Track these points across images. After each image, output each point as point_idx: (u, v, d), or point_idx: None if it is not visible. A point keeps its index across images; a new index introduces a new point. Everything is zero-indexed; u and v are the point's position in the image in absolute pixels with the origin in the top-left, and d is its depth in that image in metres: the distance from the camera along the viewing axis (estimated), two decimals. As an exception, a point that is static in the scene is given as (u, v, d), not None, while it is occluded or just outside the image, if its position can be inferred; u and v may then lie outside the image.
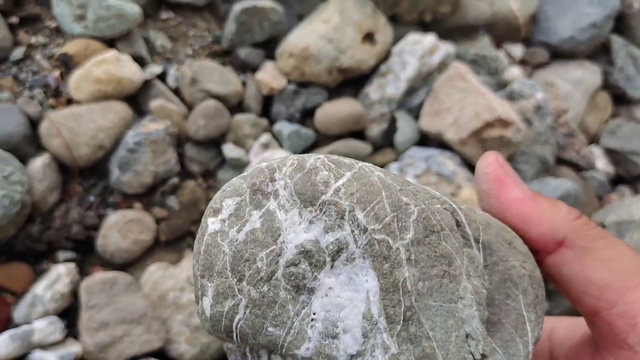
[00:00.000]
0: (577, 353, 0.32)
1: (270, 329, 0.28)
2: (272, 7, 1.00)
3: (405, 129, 1.00)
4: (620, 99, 1.22)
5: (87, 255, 0.91)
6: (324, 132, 0.99)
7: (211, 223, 0.29)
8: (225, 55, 1.04)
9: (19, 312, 0.83)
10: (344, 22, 1.00)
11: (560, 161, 1.05)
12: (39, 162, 0.89)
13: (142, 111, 0.96)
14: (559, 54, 1.18)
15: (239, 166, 0.95)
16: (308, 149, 0.99)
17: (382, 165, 1.00)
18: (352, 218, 0.27)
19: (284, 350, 0.27)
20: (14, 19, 0.96)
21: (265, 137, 0.96)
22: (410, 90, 1.03)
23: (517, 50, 1.17)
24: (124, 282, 0.85)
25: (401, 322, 0.27)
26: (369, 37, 1.02)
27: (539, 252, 0.31)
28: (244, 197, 0.29)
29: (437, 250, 0.27)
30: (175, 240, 0.94)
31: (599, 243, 0.29)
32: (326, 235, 0.27)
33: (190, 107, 0.97)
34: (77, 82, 0.92)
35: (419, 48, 1.01)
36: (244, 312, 0.28)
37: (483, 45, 1.10)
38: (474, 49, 1.08)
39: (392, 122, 1.02)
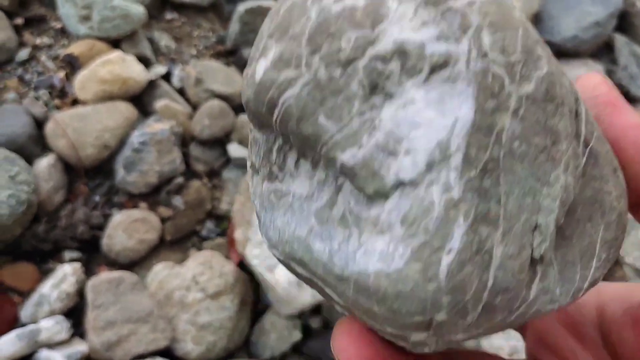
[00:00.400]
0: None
1: (321, 119, 0.22)
2: (276, 7, 1.01)
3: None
4: (624, 98, 1.22)
5: (92, 255, 0.91)
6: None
7: None
8: (229, 55, 1.04)
9: (25, 311, 0.84)
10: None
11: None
12: (44, 162, 0.89)
13: (147, 111, 0.96)
14: (563, 53, 1.18)
15: (244, 166, 0.95)
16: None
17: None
18: (476, 36, 0.22)
19: (325, 149, 0.22)
20: (19, 20, 0.97)
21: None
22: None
23: (521, 49, 1.17)
24: (130, 282, 0.86)
25: (479, 169, 0.22)
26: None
27: None
28: None
29: (549, 122, 0.23)
30: (180, 239, 0.94)
31: None
32: (436, 43, 0.22)
33: (195, 107, 0.97)
34: (83, 83, 0.92)
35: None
36: (301, 89, 0.22)
37: (486, 44, 1.10)
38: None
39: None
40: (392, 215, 0.21)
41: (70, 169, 0.92)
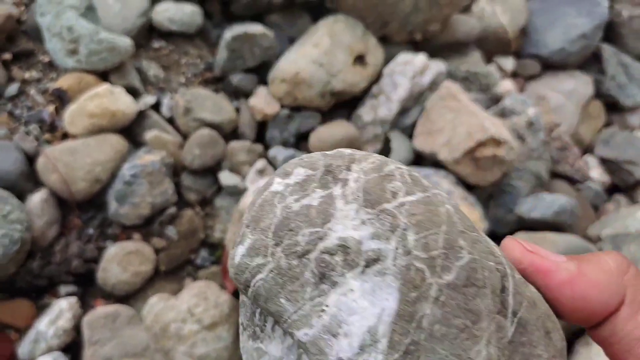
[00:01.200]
0: None
1: (282, 300, 0.28)
2: (262, 32, 1.01)
3: (400, 149, 1.01)
4: (613, 107, 1.23)
5: (88, 289, 0.92)
6: (319, 155, 0.99)
7: (277, 183, 0.30)
8: (217, 82, 1.04)
9: (23, 348, 0.84)
10: (335, 45, 1.01)
11: (555, 175, 1.05)
12: (37, 198, 0.90)
13: (138, 142, 0.97)
14: (550, 65, 1.19)
15: (236, 193, 0.96)
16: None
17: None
18: (402, 236, 0.27)
19: (286, 325, 0.28)
20: (7, 55, 0.97)
21: (260, 163, 0.97)
22: (403, 110, 1.03)
23: (508, 63, 1.17)
24: (126, 315, 0.86)
25: (401, 352, 0.26)
26: (359, 59, 1.03)
27: (601, 321, 0.30)
28: (316, 174, 0.30)
29: (469, 305, 0.27)
30: (175, 269, 0.95)
31: None
32: (371, 241, 0.27)
33: (185, 136, 0.98)
34: (72, 117, 0.93)
35: (409, 68, 1.02)
36: (267, 274, 0.28)
37: (474, 61, 1.11)
38: (465, 65, 1.09)
39: (386, 143, 1.02)
40: None
41: (63, 203, 0.92)
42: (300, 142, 1.02)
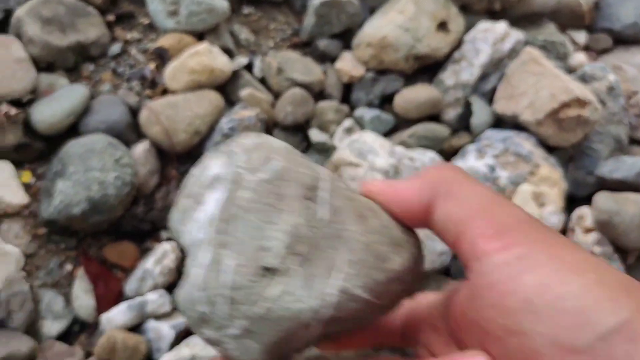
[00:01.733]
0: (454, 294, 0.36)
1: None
2: (348, 0, 1.05)
3: (480, 112, 1.04)
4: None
5: (186, 235, 0.96)
6: (403, 116, 1.03)
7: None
8: (304, 46, 1.09)
9: (129, 286, 0.89)
10: (419, 12, 1.05)
11: (633, 141, 1.07)
12: (140, 148, 0.95)
13: (231, 100, 1.01)
14: (623, 40, 1.21)
15: (324, 150, 1.00)
16: (388, 133, 1.04)
17: (459, 148, 1.04)
18: (233, 158, 0.37)
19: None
20: (111, 17, 1.03)
21: (348, 122, 1.01)
22: (483, 76, 1.07)
23: (581, 36, 1.20)
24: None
25: (223, 220, 0.35)
26: (442, 26, 1.07)
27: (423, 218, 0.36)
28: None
29: (276, 190, 0.35)
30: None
31: (457, 186, 0.33)
32: (217, 168, 0.38)
33: (276, 95, 1.02)
34: (173, 74, 0.98)
35: (491, 35, 1.06)
36: None
37: (550, 31, 1.14)
38: (541, 35, 1.12)
39: (467, 107, 1.06)
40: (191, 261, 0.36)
41: (163, 154, 0.97)
42: (385, 104, 1.06)
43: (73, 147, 0.89)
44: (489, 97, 1.08)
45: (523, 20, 1.15)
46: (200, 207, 0.36)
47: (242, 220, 0.34)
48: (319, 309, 0.34)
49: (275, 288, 0.33)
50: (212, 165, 0.37)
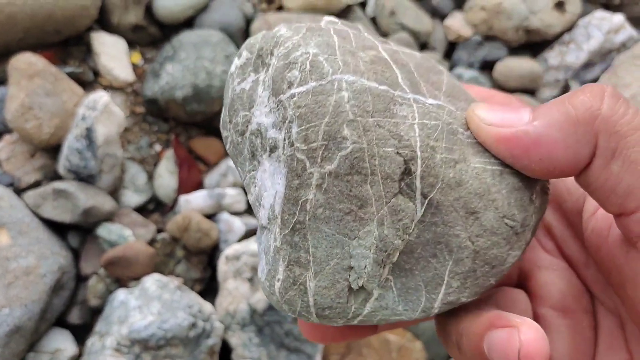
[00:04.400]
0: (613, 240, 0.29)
1: (238, 168, 0.34)
2: (471, -38, 1.06)
3: (578, 97, 1.04)
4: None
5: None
6: (502, 83, 1.04)
7: (234, 63, 0.34)
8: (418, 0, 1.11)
9: (210, 179, 0.92)
10: (539, -14, 1.05)
11: None
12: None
13: (339, 32, 1.04)
14: None
15: (418, 98, 1.01)
16: (483, 96, 1.04)
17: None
18: (288, 128, 0.29)
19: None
20: None
21: (447, 76, 1.03)
22: (588, 64, 1.06)
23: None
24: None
25: (290, 228, 0.29)
26: (559, 5, 1.07)
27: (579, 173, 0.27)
28: (252, 57, 0.33)
29: (353, 191, 0.28)
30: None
31: (630, 139, 0.25)
32: (272, 129, 0.30)
33: (383, 36, 1.04)
34: (292, -7, 1.01)
35: (605, 24, 1.05)
36: (229, 145, 0.34)
37: (663, 37, 1.13)
38: (655, 38, 1.11)
39: (564, 90, 1.05)
40: (261, 245, 0.31)
41: (265, 67, 1.00)
42: (484, 69, 1.07)
43: (188, 36, 0.93)
44: (589, 86, 1.07)
45: (637, 20, 1.14)
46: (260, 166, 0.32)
47: (316, 232, 0.29)
48: (420, 318, 0.31)
49: (369, 304, 0.30)
50: (258, 115, 0.31)
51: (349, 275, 0.29)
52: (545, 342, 0.26)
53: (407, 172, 0.29)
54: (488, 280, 0.30)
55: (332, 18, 0.36)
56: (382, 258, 0.30)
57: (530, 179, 0.30)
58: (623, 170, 0.25)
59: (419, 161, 0.29)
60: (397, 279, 0.30)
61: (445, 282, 0.30)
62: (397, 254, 0.30)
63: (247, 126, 0.32)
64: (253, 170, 0.32)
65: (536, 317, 0.34)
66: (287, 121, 0.29)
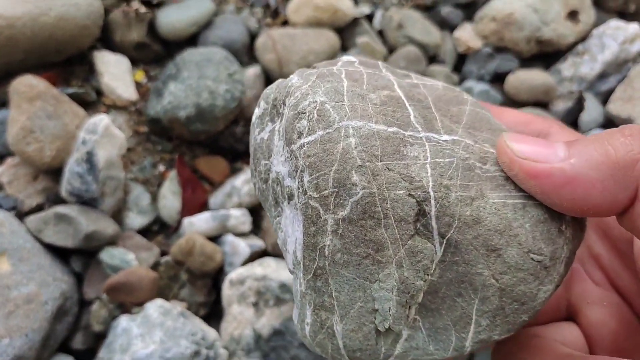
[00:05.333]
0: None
1: (267, 211, 0.34)
2: (481, -29, 1.04)
3: (592, 110, 1.01)
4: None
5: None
6: (513, 96, 1.01)
7: (254, 113, 0.35)
8: (426, 9, 1.08)
9: (215, 199, 0.90)
10: (552, -4, 1.02)
11: None
12: (251, 71, 0.96)
13: (345, 46, 1.01)
14: None
15: (427, 113, 0.98)
16: (494, 110, 1.01)
17: (562, 141, 1.00)
18: (300, 177, 0.30)
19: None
20: (246, -57, 1.05)
21: (456, 90, 1.00)
22: (602, 75, 1.03)
23: None
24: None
25: (312, 274, 0.30)
26: (572, 15, 1.03)
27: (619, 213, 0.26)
28: (268, 107, 0.34)
29: (368, 235, 0.29)
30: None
31: None
32: (288, 178, 0.31)
33: (391, 49, 1.01)
34: (297, 6, 0.99)
35: (621, 34, 1.02)
36: (257, 188, 0.35)
37: (681, 45, 1.09)
38: (672, 46, 1.07)
39: (579, 102, 1.02)
40: (294, 289, 0.31)
41: (269, 83, 0.98)
42: (495, 81, 1.04)
43: (191, 55, 0.91)
44: (603, 98, 1.04)
45: (655, 28, 1.10)
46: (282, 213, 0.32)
47: (337, 276, 0.29)
48: (454, 356, 0.30)
49: (399, 345, 0.30)
50: (276, 163, 0.32)
51: (375, 318, 0.29)
52: None
53: (421, 213, 0.29)
54: (519, 317, 0.29)
55: (350, 57, 0.36)
56: (406, 299, 0.29)
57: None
58: None
59: (432, 201, 0.28)
60: (425, 319, 0.30)
61: (473, 320, 0.30)
62: (421, 294, 0.29)
63: (268, 174, 0.33)
64: (278, 216, 0.33)
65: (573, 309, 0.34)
66: (299, 170, 0.30)
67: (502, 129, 0.33)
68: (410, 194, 0.28)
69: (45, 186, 0.85)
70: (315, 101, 0.30)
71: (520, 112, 0.38)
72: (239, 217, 0.87)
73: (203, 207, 0.90)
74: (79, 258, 0.83)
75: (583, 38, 1.05)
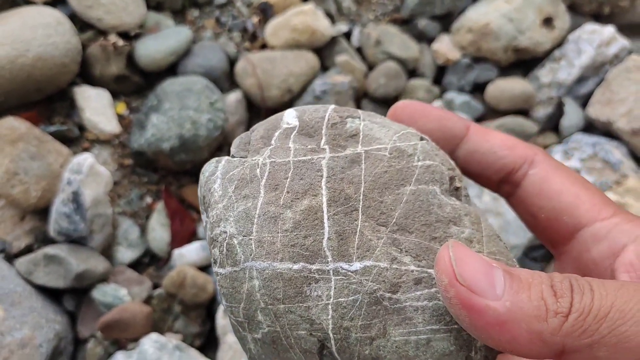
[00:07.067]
0: None
1: None
2: (455, -17, 1.04)
3: (572, 114, 1.02)
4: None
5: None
6: (494, 106, 1.02)
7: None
8: (403, 23, 1.09)
9: (203, 228, 0.91)
10: (526, 4, 1.03)
11: None
12: (232, 97, 0.96)
13: (325, 65, 1.02)
14: None
15: (410, 127, 0.99)
16: (475, 121, 1.02)
17: (545, 147, 1.02)
18: (222, 301, 0.33)
19: None
20: (220, -32, 1.05)
21: (438, 104, 1.01)
22: (580, 79, 1.04)
23: (686, 55, 1.16)
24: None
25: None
26: (547, 22, 1.04)
27: None
28: (201, 198, 0.34)
29: (282, 355, 0.31)
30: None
31: (602, 329, 0.24)
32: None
33: (370, 66, 1.02)
34: (275, 29, 0.99)
35: (596, 37, 1.03)
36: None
37: (656, 44, 1.10)
38: (647, 46, 1.09)
39: (558, 107, 1.03)
40: None
41: (252, 107, 0.99)
42: (475, 91, 1.05)
43: (171, 85, 0.92)
44: (582, 102, 1.05)
45: (629, 29, 1.11)
46: None
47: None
48: None
49: None
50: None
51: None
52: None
53: (325, 347, 0.29)
54: None
55: (293, 113, 0.34)
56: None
57: (470, 336, 0.29)
58: (612, 353, 0.23)
59: (332, 342, 0.29)
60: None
61: None
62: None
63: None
64: None
65: None
66: (221, 296, 0.32)
67: (442, 217, 0.31)
68: (311, 334, 0.29)
69: (32, 226, 0.85)
70: (225, 232, 0.30)
71: (506, 135, 0.38)
72: (229, 245, 0.87)
73: (192, 236, 0.91)
74: (72, 297, 0.83)
75: (559, 44, 1.06)
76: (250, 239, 0.30)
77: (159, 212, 0.91)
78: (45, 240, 0.84)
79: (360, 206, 0.30)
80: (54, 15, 0.87)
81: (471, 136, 0.37)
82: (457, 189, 0.34)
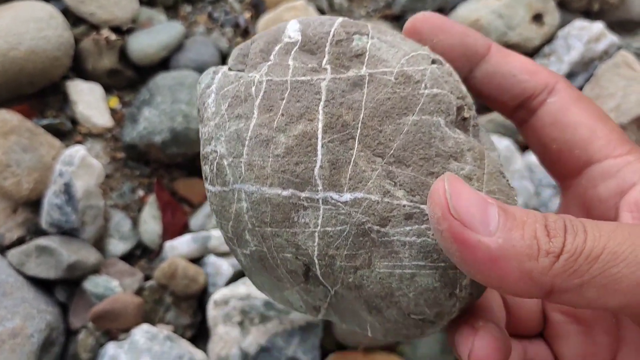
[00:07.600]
0: None
1: None
2: (446, -21, 1.05)
3: (562, 109, 1.03)
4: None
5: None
6: (484, 101, 1.02)
7: None
8: (395, 20, 1.09)
9: (195, 220, 0.91)
10: (516, 0, 1.04)
11: None
12: (224, 92, 0.97)
13: (317, 60, 1.03)
14: None
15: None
16: (466, 116, 1.03)
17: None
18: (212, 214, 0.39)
19: None
20: (213, -36, 1.06)
21: (428, 98, 1.02)
22: (570, 74, 1.05)
23: (675, 52, 1.17)
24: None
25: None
26: (537, 18, 1.05)
27: None
28: (198, 95, 0.36)
29: (269, 270, 0.33)
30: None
31: (593, 269, 0.24)
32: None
33: (361, 61, 1.03)
34: (266, 25, 1.00)
35: (585, 33, 1.04)
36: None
37: (645, 41, 1.11)
38: (637, 43, 1.10)
39: (548, 102, 1.04)
40: None
41: (244, 102, 1.00)
42: (466, 87, 1.06)
43: (163, 79, 0.92)
44: (573, 97, 1.06)
45: (619, 25, 1.12)
46: None
47: (255, 274, 0.36)
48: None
49: (320, 314, 0.34)
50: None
51: (292, 304, 0.33)
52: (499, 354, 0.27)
53: (310, 269, 0.30)
54: (412, 336, 0.30)
55: (296, 26, 0.33)
56: (313, 307, 0.32)
57: (456, 274, 0.28)
58: (601, 294, 0.24)
59: (317, 267, 0.29)
60: (335, 313, 0.32)
61: (369, 330, 0.31)
62: (325, 305, 0.32)
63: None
64: None
65: (546, 320, 0.35)
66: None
67: (443, 152, 0.29)
68: (297, 258, 0.29)
69: (25, 218, 0.86)
70: (216, 151, 0.30)
71: (528, 59, 0.36)
72: (220, 238, 0.88)
73: (184, 229, 0.91)
74: (63, 288, 0.84)
75: (549, 40, 1.07)
76: (240, 161, 0.28)
77: (150, 205, 0.91)
78: (38, 232, 0.85)
79: (358, 134, 0.28)
80: (47, 9, 0.88)
81: (492, 56, 0.35)
82: (464, 119, 0.31)
